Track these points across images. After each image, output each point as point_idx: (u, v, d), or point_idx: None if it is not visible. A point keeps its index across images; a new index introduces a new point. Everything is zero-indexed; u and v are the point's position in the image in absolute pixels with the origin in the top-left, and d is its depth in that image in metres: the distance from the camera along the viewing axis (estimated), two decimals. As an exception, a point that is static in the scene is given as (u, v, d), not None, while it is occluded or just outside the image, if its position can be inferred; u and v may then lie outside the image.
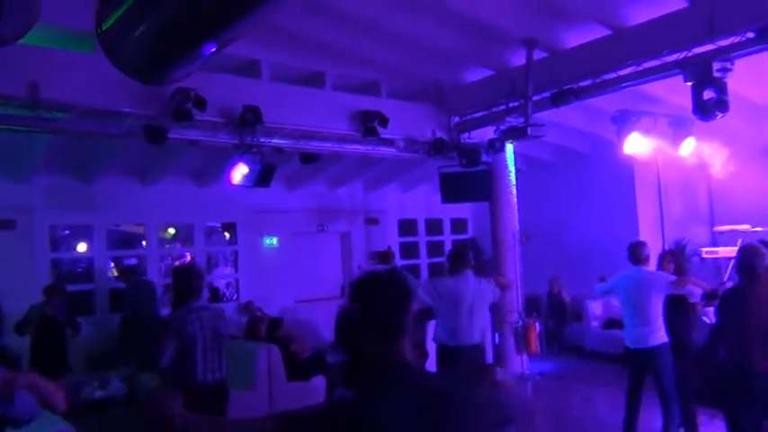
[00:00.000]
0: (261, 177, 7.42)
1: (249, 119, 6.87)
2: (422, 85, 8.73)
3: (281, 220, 10.68)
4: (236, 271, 10.77)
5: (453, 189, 8.96)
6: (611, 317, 9.55)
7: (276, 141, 7.54)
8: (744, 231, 8.34)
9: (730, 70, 5.74)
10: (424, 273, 12.52)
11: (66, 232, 9.95)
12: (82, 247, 9.86)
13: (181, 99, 6.35)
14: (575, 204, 10.63)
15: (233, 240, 10.88)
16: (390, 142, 8.41)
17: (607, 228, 10.00)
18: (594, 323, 9.88)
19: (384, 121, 7.87)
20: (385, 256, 8.97)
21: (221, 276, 11.56)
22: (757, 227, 8.42)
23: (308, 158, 8.11)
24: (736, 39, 5.56)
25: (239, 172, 7.27)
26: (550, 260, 10.56)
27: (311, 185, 10.94)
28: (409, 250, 12.40)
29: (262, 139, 7.28)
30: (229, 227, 10.95)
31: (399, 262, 12.06)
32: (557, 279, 10.58)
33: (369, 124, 7.84)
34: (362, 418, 1.75)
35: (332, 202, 11.37)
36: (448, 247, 12.93)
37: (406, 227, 12.40)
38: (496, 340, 9.07)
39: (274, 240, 10.84)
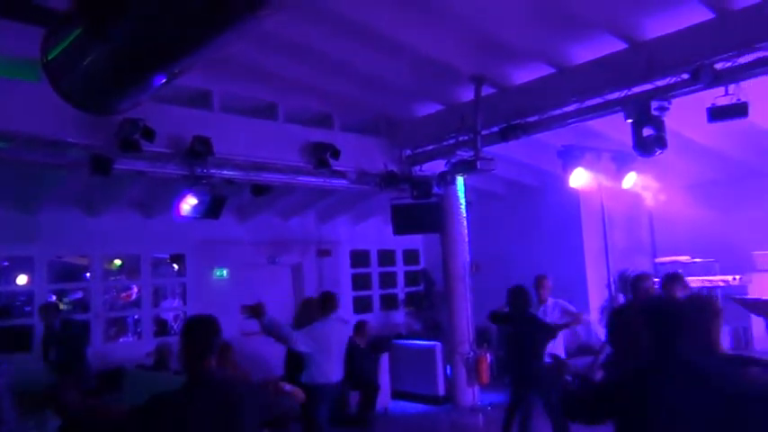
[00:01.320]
0: (210, 209, 7.33)
1: (199, 150, 6.80)
2: (374, 118, 8.84)
3: (231, 251, 10.52)
4: (185, 304, 10.52)
5: (405, 221, 9.04)
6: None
7: (227, 173, 7.47)
8: (684, 262, 8.65)
9: (667, 109, 6.01)
10: (377, 304, 12.50)
11: (6, 264, 9.57)
12: (22, 280, 9.48)
13: (128, 129, 6.25)
14: (524, 236, 10.82)
15: (182, 272, 10.65)
16: (342, 174, 8.44)
17: (555, 259, 10.20)
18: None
19: (336, 154, 7.91)
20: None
21: (169, 309, 11.27)
22: (696, 258, 8.74)
23: (259, 190, 8.05)
24: (673, 79, 5.85)
25: (188, 203, 7.17)
26: (501, 291, 10.66)
27: (263, 216, 10.85)
28: (361, 282, 12.37)
29: (212, 171, 7.21)
30: (178, 258, 10.73)
31: (350, 294, 12.06)
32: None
33: (321, 156, 7.87)
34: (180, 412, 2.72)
35: (284, 234, 11.29)
36: (400, 278, 12.99)
37: (359, 258, 12.39)
38: (448, 372, 9.08)
39: (224, 272, 10.67)
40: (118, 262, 11.11)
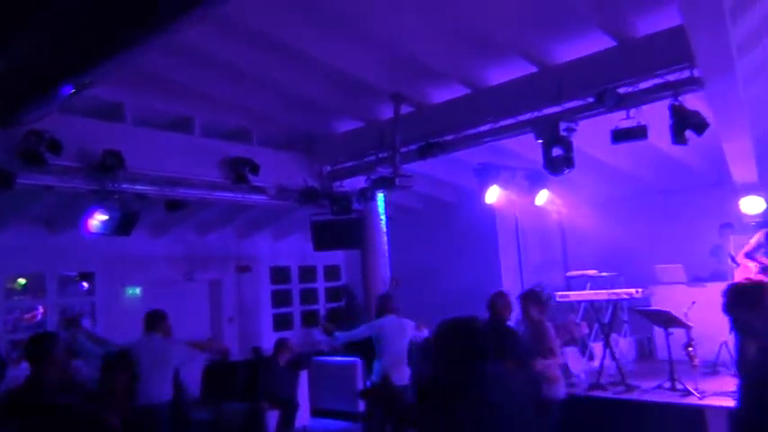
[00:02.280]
0: (121, 225, 7.06)
1: (110, 164, 6.56)
2: (293, 134, 8.80)
3: (144, 268, 10.15)
4: (95, 323, 10.02)
5: (325, 237, 9.01)
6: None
7: (140, 188, 7.22)
8: (592, 276, 9.06)
9: (575, 130, 6.32)
10: (297, 320, 12.36)
11: None
12: None
13: (33, 142, 5.94)
14: (442, 251, 11.03)
15: (91, 291, 10.16)
16: (262, 190, 8.34)
17: (472, 274, 10.45)
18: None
19: (255, 169, 7.81)
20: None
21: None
22: (603, 272, 9.17)
23: (173, 205, 7.83)
24: (579, 102, 6.16)
25: (97, 219, 6.87)
26: (420, 305, 10.80)
27: (178, 232, 10.54)
28: (282, 298, 12.22)
29: (124, 186, 6.95)
30: (87, 276, 10.23)
31: (270, 311, 11.89)
32: (423, 324, 10.79)
33: (239, 171, 7.75)
34: None
35: (201, 250, 11.00)
36: (321, 294, 12.92)
37: (279, 274, 12.24)
38: (367, 386, 9.07)
39: (137, 290, 10.26)
40: (22, 281, 10.48)
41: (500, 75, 6.72)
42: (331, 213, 8.69)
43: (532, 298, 5.69)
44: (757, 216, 7.73)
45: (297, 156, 8.82)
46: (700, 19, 4.28)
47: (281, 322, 12.05)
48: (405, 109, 7.39)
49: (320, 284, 12.89)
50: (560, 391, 5.57)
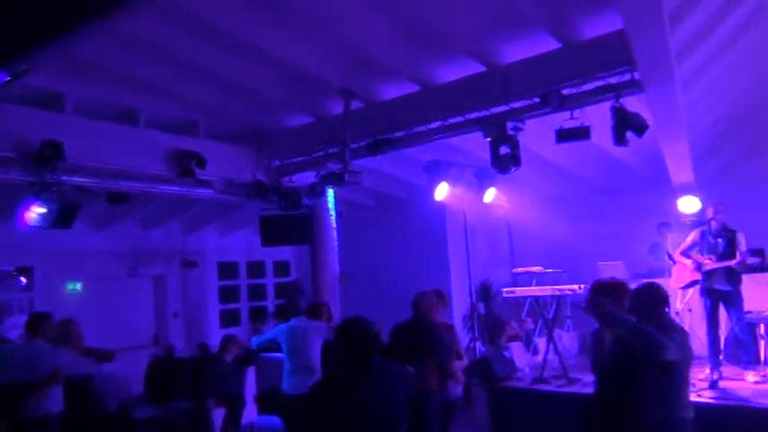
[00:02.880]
0: (60, 218, 6.82)
1: (48, 155, 6.33)
2: (242, 127, 8.67)
3: (86, 263, 9.85)
4: (32, 320, 9.66)
5: (274, 232, 8.93)
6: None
7: (80, 180, 6.99)
8: (537, 272, 9.25)
9: (522, 129, 6.44)
10: (245, 317, 12.22)
11: None
12: None
13: (-36, 130, 5.69)
14: (392, 247, 11.08)
15: (30, 286, 9.80)
16: (208, 184, 8.19)
17: (422, 270, 10.54)
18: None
19: (202, 162, 7.67)
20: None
21: (16, 327, 10.29)
22: (548, 268, 9.37)
23: (116, 198, 7.62)
24: (526, 102, 6.28)
25: (34, 212, 6.62)
26: (370, 302, 10.82)
27: (122, 226, 10.26)
28: (229, 294, 12.05)
29: (63, 177, 6.72)
30: (25, 270, 9.86)
31: (217, 307, 11.72)
32: (376, 321, 10.85)
33: (185, 165, 7.60)
34: None
35: (145, 244, 10.74)
36: (270, 290, 12.80)
37: (227, 270, 12.06)
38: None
39: (78, 286, 9.96)
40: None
41: (450, 73, 6.78)
42: (280, 209, 8.61)
43: (425, 297, 5.80)
44: (693, 215, 8.02)
45: (245, 150, 8.69)
46: (640, 24, 4.42)
47: (229, 318, 11.89)
48: (355, 105, 7.39)
49: (269, 280, 12.77)
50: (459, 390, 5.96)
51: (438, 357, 5.32)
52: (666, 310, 3.75)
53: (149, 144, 7.61)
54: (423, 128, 7.10)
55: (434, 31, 5.98)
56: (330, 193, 8.85)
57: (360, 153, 7.54)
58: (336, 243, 9.22)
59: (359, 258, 10.51)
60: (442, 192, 8.41)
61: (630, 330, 3.44)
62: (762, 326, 7.21)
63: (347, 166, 7.39)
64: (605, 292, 3.73)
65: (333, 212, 9.12)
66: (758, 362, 6.83)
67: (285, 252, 12.59)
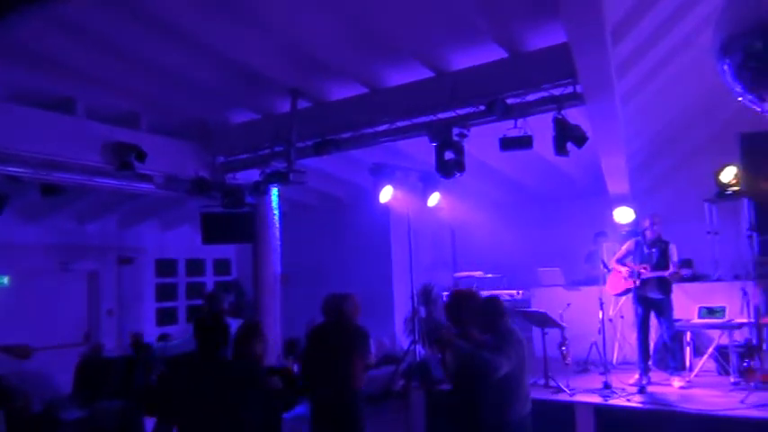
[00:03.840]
0: (-13, 208, 6.51)
1: (-24, 142, 6.02)
2: (186, 122, 8.46)
3: (14, 256, 9.43)
4: (-46, 315, 9.19)
5: (215, 230, 8.76)
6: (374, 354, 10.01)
7: (11, 169, 6.69)
8: (478, 277, 9.39)
9: (467, 136, 6.51)
10: (182, 315, 11.94)
11: None
12: None
13: None
14: (336, 248, 11.05)
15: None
16: (148, 178, 7.97)
17: (365, 272, 10.54)
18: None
19: (141, 156, 7.45)
20: None
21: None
22: (489, 273, 9.54)
23: (49, 190, 7.31)
24: (471, 109, 6.36)
25: (-41, 202, 6.30)
26: (311, 302, 10.75)
27: (54, 219, 9.88)
28: (167, 292, 11.76)
29: (-9, 166, 6.42)
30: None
31: (153, 305, 11.41)
32: (314, 321, 10.78)
33: (124, 158, 7.36)
34: None
35: (79, 239, 10.37)
36: (210, 288, 12.55)
37: (165, 267, 11.76)
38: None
39: (5, 279, 9.52)
40: None
41: (398, 77, 6.81)
42: (222, 206, 8.45)
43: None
44: (627, 225, 8.31)
45: (188, 145, 8.49)
46: (582, 39, 4.55)
47: (165, 317, 11.61)
48: (302, 104, 7.32)
49: (209, 278, 12.53)
50: None
51: (364, 357, 5.40)
52: (505, 320, 4.23)
53: (87, 135, 7.33)
54: (370, 130, 7.10)
55: (384, 35, 6.00)
56: (274, 191, 8.74)
57: (306, 153, 7.49)
58: (279, 242, 9.10)
59: (302, 258, 10.44)
60: (386, 194, 8.43)
61: (464, 357, 3.96)
62: (688, 333, 7.53)
63: (292, 165, 7.32)
64: (459, 303, 4.26)
65: (276, 211, 9.01)
66: (684, 368, 7.12)
67: (227, 250, 12.39)
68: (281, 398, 4.22)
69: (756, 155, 8.64)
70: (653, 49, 6.30)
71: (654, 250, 7.03)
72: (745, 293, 6.74)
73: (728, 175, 8.50)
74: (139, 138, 7.74)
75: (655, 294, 6.92)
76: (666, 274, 6.85)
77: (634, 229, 8.38)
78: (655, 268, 6.92)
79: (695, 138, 8.92)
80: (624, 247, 7.31)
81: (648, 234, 7.10)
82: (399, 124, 6.88)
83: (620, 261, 7.27)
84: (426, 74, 6.61)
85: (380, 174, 8.38)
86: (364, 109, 7.10)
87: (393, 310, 10.55)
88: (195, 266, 12.29)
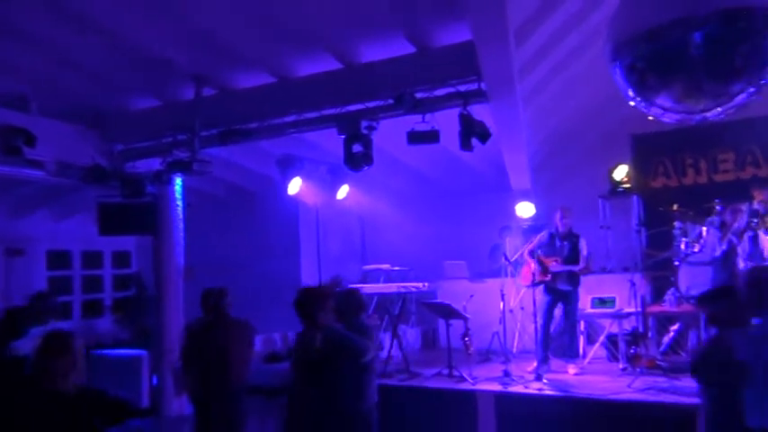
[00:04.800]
0: None
1: None
2: (81, 106, 7.97)
3: None
4: None
5: (113, 220, 8.35)
6: (274, 350, 9.89)
7: None
8: (385, 270, 9.49)
9: (375, 129, 6.54)
10: (77, 311, 11.34)
11: None
12: None
13: None
14: (243, 240, 10.81)
15: None
16: (39, 164, 7.46)
17: (273, 264, 10.40)
18: (255, 357, 10.07)
19: (31, 140, 6.94)
20: None
21: None
22: (397, 266, 9.65)
23: (-77, 176, 6.71)
24: (380, 102, 6.39)
25: None
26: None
27: (-69, 207, 9.09)
28: (60, 286, 11.10)
29: None
30: None
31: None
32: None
33: (11, 142, 6.85)
34: None
35: (-40, 229, 9.60)
36: (108, 281, 11.98)
37: (58, 259, 11.10)
38: (154, 381, 8.61)
39: None
40: None
41: (307, 67, 6.72)
42: (121, 195, 8.06)
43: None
44: (529, 219, 8.64)
45: (84, 130, 8.01)
46: (486, 38, 4.67)
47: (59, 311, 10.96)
48: (207, 91, 7.10)
49: (107, 271, 11.95)
50: None
51: (246, 350, 5.42)
52: (361, 314, 4.49)
53: (-32, 117, 6.78)
54: (277, 120, 6.99)
55: (293, 24, 5.89)
56: (178, 181, 8.43)
57: (211, 142, 7.27)
58: (182, 234, 8.80)
59: (208, 251, 10.15)
60: (295, 186, 8.36)
61: (335, 337, 4.12)
62: (582, 322, 7.94)
63: (196, 154, 7.08)
64: (308, 301, 4.27)
65: (180, 202, 8.70)
66: (578, 355, 7.50)
67: (127, 242, 11.85)
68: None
69: (646, 155, 9.24)
70: (553, 51, 6.56)
71: (565, 243, 7.32)
72: (633, 284, 7.16)
73: (621, 173, 9.02)
74: (29, 121, 7.22)
75: (564, 286, 7.24)
76: (576, 269, 7.18)
77: (535, 224, 8.74)
78: (565, 261, 7.23)
79: (591, 137, 9.38)
80: (537, 239, 7.56)
81: (560, 227, 7.38)
82: (308, 115, 6.81)
83: (531, 253, 7.52)
84: (336, 65, 6.57)
85: (289, 165, 8.30)
86: (272, 99, 6.97)
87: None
88: (92, 259, 11.68)
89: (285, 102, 6.85)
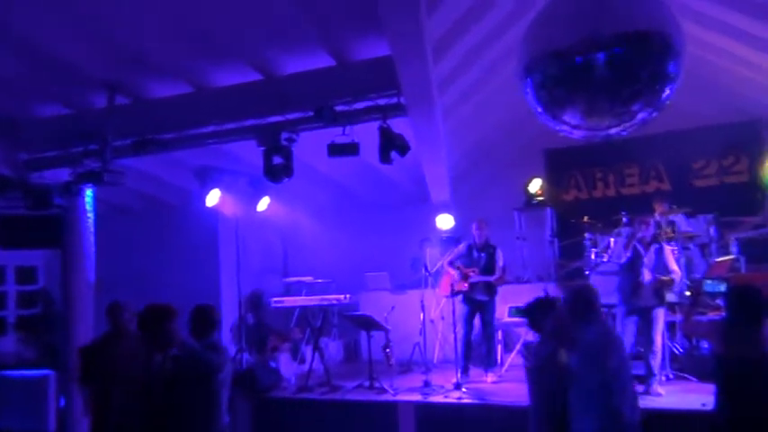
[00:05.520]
0: None
1: None
2: (-17, 113, 7.54)
3: None
4: None
5: (16, 233, 7.92)
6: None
7: None
8: (307, 282, 9.40)
9: (295, 141, 6.51)
10: (-23, 330, 10.61)
11: None
12: None
13: None
14: (160, 254, 10.45)
15: None
16: (-68, 173, 6.99)
17: (191, 278, 10.10)
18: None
19: None
20: None
21: None
22: (319, 278, 9.59)
23: None
24: (300, 114, 6.37)
25: None
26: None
27: None
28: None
29: None
30: None
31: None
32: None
33: None
34: None
35: None
36: (12, 299, 11.28)
37: (-47, 275, 10.37)
38: (61, 403, 8.16)
39: None
40: None
41: (226, 77, 6.62)
42: (25, 207, 7.63)
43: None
44: (448, 231, 8.81)
45: (-15, 138, 7.57)
46: (403, 53, 4.76)
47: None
48: (120, 100, 6.86)
49: (10, 287, 11.24)
50: None
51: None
52: (214, 332, 4.41)
53: None
54: (195, 131, 6.84)
55: (211, 33, 5.80)
56: (88, 193, 8.06)
57: (124, 152, 7.02)
58: (93, 248, 8.41)
59: (121, 265, 9.76)
60: (213, 198, 8.16)
61: (191, 354, 4.03)
62: (500, 332, 8.14)
63: (107, 164, 6.81)
64: (151, 318, 4.17)
65: (90, 214, 8.32)
66: (496, 364, 7.68)
67: (33, 256, 11.19)
68: None
69: (558, 169, 9.65)
70: (472, 67, 6.75)
71: (482, 254, 7.49)
72: (546, 294, 7.40)
73: (535, 186, 9.37)
74: None
75: (481, 296, 7.40)
76: (492, 279, 7.36)
77: (455, 236, 8.92)
78: (482, 272, 7.40)
79: (507, 151, 9.70)
80: (456, 250, 7.71)
81: (476, 239, 7.55)
82: (227, 126, 6.71)
83: (451, 263, 7.64)
84: (255, 76, 6.51)
85: (207, 177, 8.10)
86: (190, 109, 6.83)
87: (220, 317, 10.20)
88: (-8, 275, 10.98)
89: (203, 112, 6.72)
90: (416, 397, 6.65)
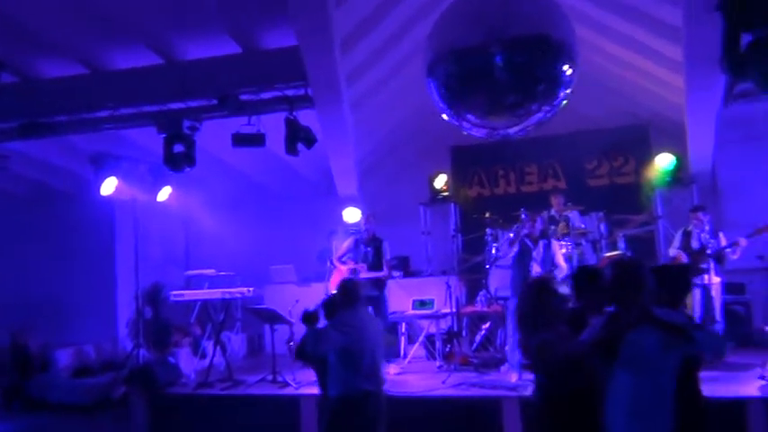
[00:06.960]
0: None
1: None
2: None
3: None
4: None
5: None
6: (83, 365, 9.14)
7: None
8: (209, 275, 9.13)
9: (198, 129, 6.32)
10: None
11: None
12: None
13: None
14: (50, 245, 9.85)
15: None
16: None
17: (84, 270, 9.61)
18: (63, 373, 9.23)
19: None
20: None
21: None
22: (222, 271, 9.34)
23: None
24: (204, 102, 6.18)
25: None
26: (14, 307, 9.47)
27: None
28: None
29: None
30: None
31: None
32: (23, 330, 9.46)
33: None
34: None
35: None
36: None
37: None
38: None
39: None
40: None
41: (123, 60, 6.34)
42: None
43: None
44: (355, 224, 8.84)
45: None
46: (311, 45, 4.73)
47: None
48: (6, 78, 6.39)
49: None
50: None
51: None
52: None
53: None
54: (90, 115, 6.49)
55: (108, 12, 5.52)
56: (-32, 178, 7.49)
57: (10, 135, 6.56)
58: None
59: (7, 256, 9.14)
60: (109, 186, 7.75)
61: None
62: (403, 324, 8.26)
63: (-10, 148, 6.35)
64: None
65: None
66: (398, 355, 7.79)
67: None
68: None
69: (463, 165, 9.90)
70: (381, 61, 6.79)
71: (369, 249, 7.54)
72: (449, 287, 7.60)
73: (440, 181, 9.55)
74: None
75: (371, 291, 7.45)
76: (381, 275, 7.43)
77: (359, 228, 8.96)
78: (370, 266, 7.44)
79: (415, 147, 9.83)
80: (345, 245, 7.71)
81: (365, 233, 7.59)
82: (124, 111, 6.42)
83: (340, 258, 7.63)
84: (155, 60, 6.26)
85: (103, 163, 7.69)
86: (84, 91, 6.48)
87: (116, 312, 9.77)
88: None
89: (99, 95, 6.40)
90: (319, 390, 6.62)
